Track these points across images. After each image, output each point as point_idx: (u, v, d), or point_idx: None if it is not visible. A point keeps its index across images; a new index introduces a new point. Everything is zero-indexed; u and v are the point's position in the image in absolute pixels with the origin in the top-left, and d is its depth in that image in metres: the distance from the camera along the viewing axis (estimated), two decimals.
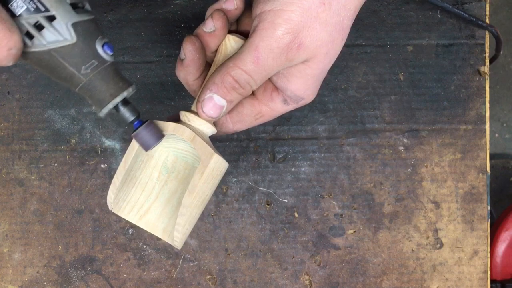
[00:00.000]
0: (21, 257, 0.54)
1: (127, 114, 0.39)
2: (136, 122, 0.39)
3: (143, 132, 0.39)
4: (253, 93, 0.43)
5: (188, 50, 0.41)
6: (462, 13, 0.53)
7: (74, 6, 0.37)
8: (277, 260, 0.54)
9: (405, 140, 0.54)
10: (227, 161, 0.41)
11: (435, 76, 0.55)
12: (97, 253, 0.54)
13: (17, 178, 0.54)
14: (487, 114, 0.55)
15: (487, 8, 0.55)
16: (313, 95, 0.43)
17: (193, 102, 0.42)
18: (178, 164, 0.45)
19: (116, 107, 0.39)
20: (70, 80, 0.37)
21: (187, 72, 0.42)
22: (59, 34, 0.36)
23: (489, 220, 0.54)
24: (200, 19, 0.55)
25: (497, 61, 0.60)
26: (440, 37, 0.55)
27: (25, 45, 0.35)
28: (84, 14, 0.37)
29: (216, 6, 0.41)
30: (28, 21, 0.35)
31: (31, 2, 0.35)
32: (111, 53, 0.38)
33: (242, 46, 0.39)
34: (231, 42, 0.42)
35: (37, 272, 0.54)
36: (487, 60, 0.55)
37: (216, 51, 0.42)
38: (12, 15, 0.34)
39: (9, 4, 0.34)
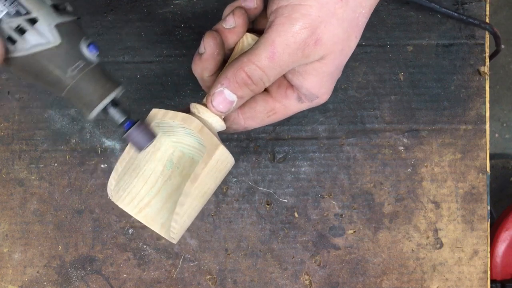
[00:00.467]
0: (21, 257, 0.54)
1: (117, 115, 0.38)
2: (127, 123, 0.39)
3: (135, 133, 0.38)
4: (267, 90, 0.43)
5: (209, 45, 0.40)
6: (452, 12, 0.53)
7: (56, 8, 0.36)
8: (277, 260, 0.54)
9: (405, 140, 0.54)
10: None
11: (435, 76, 0.55)
12: (97, 253, 0.54)
13: (17, 178, 0.54)
14: (487, 114, 0.55)
15: (487, 8, 0.55)
16: (328, 94, 0.42)
17: (205, 96, 0.42)
18: (184, 160, 0.44)
19: (105, 109, 0.38)
20: (56, 84, 0.36)
21: (204, 67, 0.41)
22: (42, 37, 0.35)
23: (489, 220, 0.54)
24: (200, 19, 0.55)
25: (497, 61, 0.60)
26: (440, 37, 0.55)
27: (7, 51, 0.34)
28: (66, 15, 0.36)
29: (236, 4, 0.41)
30: (9, 25, 0.34)
31: (11, 6, 0.34)
32: (97, 53, 0.37)
33: (257, 41, 0.38)
34: (249, 40, 0.41)
35: (37, 272, 0.54)
36: (487, 60, 0.55)
37: (233, 48, 0.42)
38: None
39: None
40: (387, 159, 0.54)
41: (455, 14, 0.53)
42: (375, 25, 0.55)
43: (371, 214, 0.54)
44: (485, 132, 0.54)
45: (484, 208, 0.54)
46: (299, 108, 0.43)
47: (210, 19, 0.55)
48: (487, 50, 0.55)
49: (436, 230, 0.54)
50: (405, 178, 0.54)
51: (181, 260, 0.54)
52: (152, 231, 0.54)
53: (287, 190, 0.54)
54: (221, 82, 0.39)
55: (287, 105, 0.42)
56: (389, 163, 0.54)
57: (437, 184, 0.54)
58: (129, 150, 0.41)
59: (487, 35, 0.55)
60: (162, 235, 0.42)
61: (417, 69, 0.55)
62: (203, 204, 0.41)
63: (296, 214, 0.54)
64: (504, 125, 1.33)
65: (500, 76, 1.33)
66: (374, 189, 0.54)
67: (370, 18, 0.54)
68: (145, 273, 0.54)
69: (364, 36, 0.55)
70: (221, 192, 0.54)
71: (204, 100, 0.41)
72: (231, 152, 0.40)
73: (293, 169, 0.54)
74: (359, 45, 0.54)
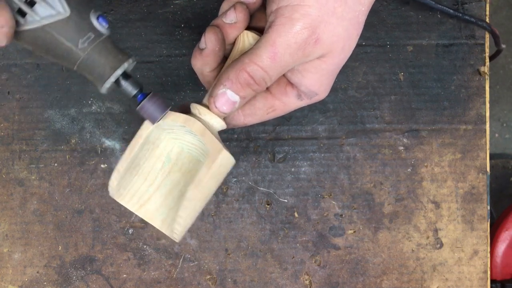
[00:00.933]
0: (21, 257, 0.54)
1: (129, 88, 0.38)
2: (140, 96, 0.38)
3: (148, 104, 0.38)
4: (266, 88, 0.43)
5: (210, 40, 0.40)
6: (448, 9, 0.53)
7: None
8: (277, 260, 0.54)
9: (405, 140, 0.54)
10: None
11: (435, 76, 0.55)
12: (97, 253, 0.54)
13: (17, 178, 0.54)
14: (487, 114, 0.55)
15: (487, 8, 0.55)
16: (327, 91, 0.42)
17: (204, 96, 0.42)
18: (183, 156, 0.44)
19: (117, 81, 0.38)
20: (67, 57, 0.36)
21: (204, 62, 0.41)
22: (52, 8, 0.34)
23: (489, 220, 0.54)
24: (200, 19, 0.55)
25: (497, 61, 0.59)
26: (440, 37, 0.55)
27: (17, 24, 0.34)
28: None
29: None
30: None
31: None
32: (107, 26, 0.37)
33: (258, 41, 0.39)
34: (249, 37, 0.41)
35: (37, 272, 0.54)
36: (487, 60, 0.55)
37: (232, 44, 0.42)
38: None
39: None
40: (387, 159, 0.54)
41: (451, 11, 0.53)
42: (375, 25, 0.55)
43: (371, 214, 0.54)
44: (485, 132, 0.54)
45: (484, 208, 0.54)
46: (298, 105, 0.43)
47: (210, 19, 0.55)
48: (487, 50, 0.55)
49: (436, 230, 0.54)
50: (405, 178, 0.54)
51: (181, 260, 0.54)
52: (152, 231, 0.54)
53: (287, 190, 0.54)
54: (223, 83, 0.39)
55: (286, 102, 0.43)
56: (389, 163, 0.54)
57: (437, 184, 0.54)
58: (130, 150, 0.41)
59: (487, 35, 0.55)
60: (163, 231, 0.42)
61: (417, 69, 0.55)
62: (205, 204, 0.41)
63: (296, 214, 0.54)
64: (504, 125, 1.33)
65: (500, 76, 1.33)
66: (374, 189, 0.54)
67: (370, 18, 0.54)
68: (145, 273, 0.54)
69: (364, 36, 0.55)
70: (221, 192, 0.54)
71: (205, 100, 0.41)
72: (231, 152, 0.40)
73: (293, 169, 0.54)
74: (359, 45, 0.54)
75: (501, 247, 0.86)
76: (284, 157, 0.54)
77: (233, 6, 0.40)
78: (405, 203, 0.54)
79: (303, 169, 0.54)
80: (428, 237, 0.54)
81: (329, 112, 0.55)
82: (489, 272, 0.54)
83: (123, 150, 0.54)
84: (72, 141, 0.55)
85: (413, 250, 0.54)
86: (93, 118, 0.54)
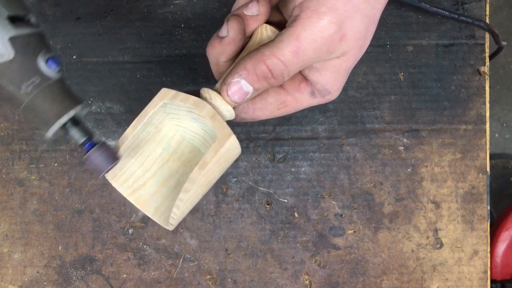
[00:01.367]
0: (21, 257, 0.54)
1: (77, 135, 0.36)
2: (87, 144, 0.37)
3: (94, 155, 0.36)
4: None
5: (233, 28, 0.38)
6: (443, 11, 0.53)
7: (14, 19, 0.34)
8: (277, 260, 0.54)
9: (405, 140, 0.54)
10: None
11: (435, 76, 0.55)
12: (97, 253, 0.54)
13: (17, 178, 0.54)
14: (487, 114, 0.55)
15: (487, 8, 0.55)
16: (339, 90, 0.42)
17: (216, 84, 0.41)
18: (184, 145, 0.43)
19: (65, 128, 0.36)
20: (11, 100, 0.34)
21: (223, 51, 0.39)
22: None
23: (489, 220, 0.54)
24: (200, 19, 0.55)
25: (497, 61, 0.59)
26: (440, 37, 0.55)
27: None
28: (25, 27, 0.34)
29: None
30: None
31: None
32: (57, 69, 0.35)
33: (280, 34, 0.37)
34: (268, 31, 0.40)
35: (37, 272, 0.54)
36: (487, 60, 0.55)
37: (249, 37, 0.41)
38: None
39: None
40: (387, 159, 0.54)
41: (446, 13, 0.53)
42: None
43: (371, 214, 0.54)
44: (485, 132, 0.54)
45: (484, 208, 0.54)
46: (310, 103, 0.42)
47: (210, 19, 0.55)
48: (487, 50, 0.55)
49: (436, 230, 0.54)
50: (405, 178, 0.54)
51: (181, 260, 0.54)
52: (152, 231, 0.54)
53: (287, 190, 0.54)
54: (239, 73, 0.38)
55: (299, 99, 0.42)
56: (389, 163, 0.54)
57: (437, 184, 0.54)
58: (133, 128, 0.39)
59: (487, 35, 0.55)
60: (156, 219, 0.41)
61: (417, 69, 0.55)
62: (205, 193, 0.40)
63: (296, 214, 0.54)
64: (504, 125, 1.33)
65: (500, 76, 1.33)
66: (374, 189, 0.54)
67: None
68: (145, 273, 0.54)
69: None
70: (221, 192, 0.54)
71: (217, 86, 0.40)
72: None
73: (293, 169, 0.54)
74: None
75: (501, 247, 0.86)
76: (284, 157, 0.54)
77: None
78: (405, 203, 0.54)
79: (303, 169, 0.54)
80: (428, 237, 0.54)
81: (329, 112, 0.55)
82: (489, 272, 0.54)
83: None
84: (72, 141, 0.54)
85: (413, 250, 0.54)
86: (93, 118, 0.54)
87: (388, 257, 0.54)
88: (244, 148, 0.54)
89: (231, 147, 0.38)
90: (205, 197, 0.54)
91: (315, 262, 0.54)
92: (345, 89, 0.54)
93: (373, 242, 0.54)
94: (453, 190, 0.54)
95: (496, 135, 1.32)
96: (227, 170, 0.41)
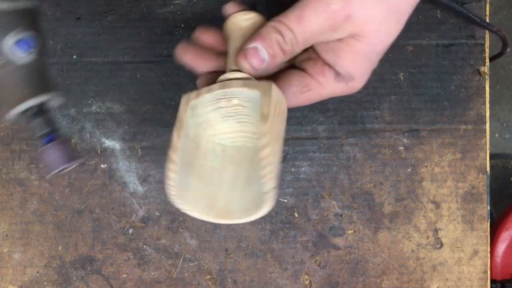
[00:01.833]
0: (21, 257, 0.54)
1: (37, 126, 0.34)
2: (47, 137, 0.34)
3: (51, 150, 0.34)
4: (303, 69, 0.42)
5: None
6: (471, 15, 0.53)
7: None
8: (277, 260, 0.54)
9: (405, 140, 0.54)
10: None
11: (435, 76, 0.55)
12: (97, 253, 0.54)
13: (17, 178, 0.54)
14: (487, 114, 0.55)
15: (487, 8, 0.55)
16: (363, 77, 0.41)
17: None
18: (229, 151, 0.42)
19: (25, 116, 0.34)
20: None
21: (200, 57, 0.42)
22: None
23: (489, 220, 0.54)
24: (200, 19, 0.55)
25: (497, 61, 0.60)
26: (440, 37, 0.55)
27: None
28: (2, 2, 0.32)
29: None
30: None
31: None
32: (28, 51, 0.33)
33: (289, 9, 0.38)
34: (242, 17, 0.40)
35: (37, 272, 0.54)
36: (487, 60, 0.55)
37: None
38: None
39: None
40: (387, 159, 0.54)
41: (476, 18, 0.53)
42: None
43: (371, 214, 0.54)
44: (485, 132, 0.54)
45: (484, 208, 0.54)
46: (335, 89, 0.42)
47: (210, 19, 0.55)
48: (487, 50, 0.55)
49: (436, 230, 0.54)
50: (405, 178, 0.54)
51: (181, 260, 0.54)
52: (152, 231, 0.54)
53: (287, 190, 0.54)
54: (255, 39, 0.39)
55: (323, 83, 0.42)
56: (389, 163, 0.54)
57: (437, 184, 0.54)
58: (178, 137, 0.37)
59: (487, 35, 0.55)
60: (250, 219, 0.37)
61: (417, 69, 0.55)
62: (280, 152, 0.38)
63: (296, 214, 0.54)
64: (504, 125, 1.33)
65: (500, 76, 1.33)
66: (374, 189, 0.54)
67: None
68: (145, 273, 0.54)
69: None
70: None
71: (230, 66, 0.40)
72: None
73: (293, 169, 0.54)
74: None
75: (501, 247, 0.86)
76: (284, 157, 0.54)
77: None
78: (405, 203, 0.54)
79: (303, 169, 0.54)
80: (428, 237, 0.54)
81: (329, 112, 0.55)
82: (489, 272, 0.54)
83: (123, 150, 0.54)
84: (72, 141, 0.54)
85: (413, 250, 0.54)
86: (93, 118, 0.54)
87: (388, 257, 0.54)
88: None
89: (278, 96, 0.38)
90: None
91: (315, 262, 0.54)
92: None
93: (373, 242, 0.54)
94: (453, 190, 0.54)
95: (496, 135, 1.32)
96: None
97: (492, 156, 1.25)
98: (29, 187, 0.54)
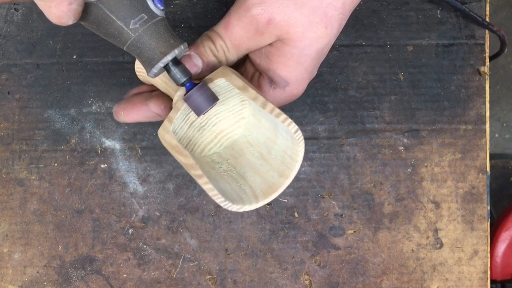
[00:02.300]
0: (21, 257, 0.54)
1: (178, 75, 0.37)
2: (188, 84, 0.37)
3: (196, 94, 0.37)
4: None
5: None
6: (473, 14, 0.53)
7: None
8: (277, 260, 0.54)
9: (405, 140, 0.54)
10: None
11: (435, 76, 0.55)
12: (97, 253, 0.54)
13: (17, 178, 0.54)
14: (487, 114, 0.55)
15: (487, 8, 0.55)
16: (299, 83, 0.42)
17: None
18: (225, 153, 0.43)
19: (166, 67, 0.36)
20: (118, 36, 0.35)
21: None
22: None
23: (489, 220, 0.54)
24: (200, 19, 0.55)
25: (497, 61, 0.60)
26: (440, 37, 0.55)
27: None
28: None
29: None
30: None
31: None
32: (162, 7, 0.35)
33: None
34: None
35: (37, 272, 0.54)
36: (487, 60, 0.55)
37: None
38: None
39: None
40: (387, 159, 0.54)
41: (477, 16, 0.53)
42: (375, 25, 0.55)
43: (371, 214, 0.54)
44: (485, 132, 0.54)
45: (484, 208, 0.54)
46: (272, 96, 0.43)
47: (210, 19, 0.55)
48: (487, 50, 0.55)
49: (436, 230, 0.54)
50: (405, 178, 0.54)
51: (181, 260, 0.54)
52: (152, 231, 0.54)
53: (287, 190, 0.54)
54: (190, 48, 0.41)
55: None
56: (389, 163, 0.54)
57: (437, 184, 0.54)
58: (185, 157, 0.38)
59: (487, 35, 0.55)
60: (289, 180, 0.39)
61: (417, 69, 0.55)
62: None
63: (296, 214, 0.54)
64: (504, 125, 1.33)
65: (500, 76, 1.33)
66: (374, 189, 0.54)
67: (370, 18, 0.54)
68: (145, 273, 0.54)
69: (364, 36, 0.55)
70: None
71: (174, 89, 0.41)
72: None
73: None
74: (359, 45, 0.54)
75: (501, 247, 0.86)
76: None
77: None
78: (405, 203, 0.54)
79: (303, 169, 0.54)
80: (428, 237, 0.54)
81: (329, 112, 0.55)
82: (489, 272, 0.54)
83: (123, 150, 0.54)
84: (72, 141, 0.55)
85: (413, 250, 0.54)
86: (93, 118, 0.54)
87: (388, 257, 0.54)
88: None
89: (234, 71, 0.40)
90: (205, 197, 0.54)
91: (315, 262, 0.54)
92: (345, 89, 0.54)
93: (373, 242, 0.54)
94: (453, 190, 0.54)
95: (496, 135, 1.33)
96: None
97: (492, 156, 1.25)
98: (29, 187, 0.54)
